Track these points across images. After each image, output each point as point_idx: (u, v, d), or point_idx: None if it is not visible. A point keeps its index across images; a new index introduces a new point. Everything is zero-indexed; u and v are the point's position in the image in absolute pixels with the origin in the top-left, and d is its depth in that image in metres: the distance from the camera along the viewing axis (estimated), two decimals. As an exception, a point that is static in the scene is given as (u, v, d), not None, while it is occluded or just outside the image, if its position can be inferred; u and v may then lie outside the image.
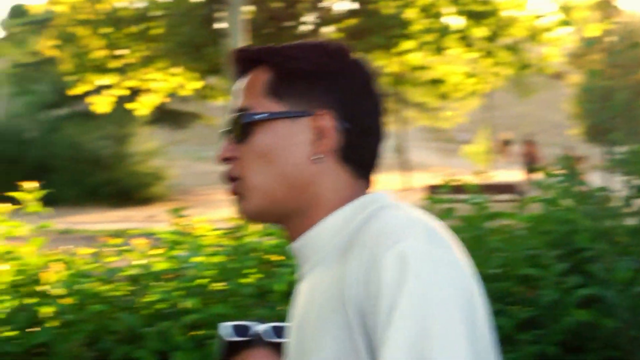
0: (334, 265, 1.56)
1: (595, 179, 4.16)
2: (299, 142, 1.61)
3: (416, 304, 1.41)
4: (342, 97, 1.63)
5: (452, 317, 1.41)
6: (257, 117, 1.62)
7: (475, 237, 3.86)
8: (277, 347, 2.31)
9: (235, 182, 1.65)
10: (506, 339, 3.64)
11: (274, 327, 2.36)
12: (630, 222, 3.98)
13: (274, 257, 3.86)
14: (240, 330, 2.41)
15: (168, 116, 39.28)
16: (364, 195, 1.63)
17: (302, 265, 1.65)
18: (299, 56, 1.64)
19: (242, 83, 1.69)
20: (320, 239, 1.61)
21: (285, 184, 1.61)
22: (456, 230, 3.92)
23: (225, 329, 2.41)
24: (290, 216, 1.63)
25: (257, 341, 2.35)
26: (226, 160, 1.65)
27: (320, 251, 1.60)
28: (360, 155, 1.64)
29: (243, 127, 1.63)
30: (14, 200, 3.80)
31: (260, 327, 2.37)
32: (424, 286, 1.42)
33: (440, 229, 1.55)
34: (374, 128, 1.66)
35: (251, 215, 1.65)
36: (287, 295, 3.59)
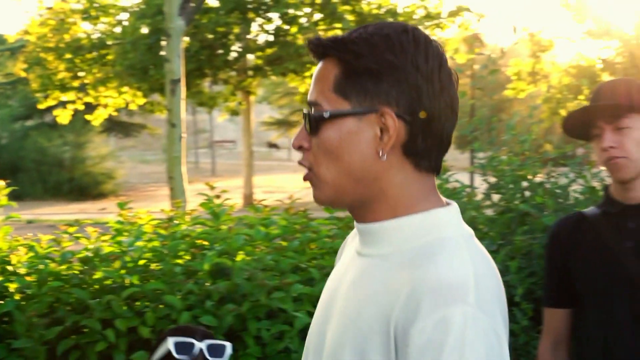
0: (392, 272, 1.34)
1: (463, 179, 4.19)
2: (364, 139, 1.36)
3: None
4: (405, 90, 1.34)
5: None
6: (325, 114, 1.37)
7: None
8: None
9: (308, 172, 1.43)
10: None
11: (213, 345, 2.19)
12: (488, 212, 4.03)
13: (202, 242, 3.80)
14: (183, 348, 2.19)
15: (118, 126, 38.91)
16: (431, 206, 1.39)
17: (362, 243, 1.44)
18: (366, 53, 1.35)
19: (316, 71, 1.43)
20: (388, 236, 1.39)
21: (353, 178, 1.38)
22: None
23: (171, 345, 2.18)
24: (358, 205, 1.42)
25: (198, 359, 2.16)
26: (299, 148, 1.43)
27: (384, 247, 1.38)
28: (424, 145, 1.37)
29: (312, 122, 1.39)
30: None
31: (203, 345, 2.17)
32: (462, 355, 1.21)
33: (488, 283, 1.32)
34: (439, 114, 1.37)
35: (323, 203, 1.44)
36: (212, 274, 3.54)
